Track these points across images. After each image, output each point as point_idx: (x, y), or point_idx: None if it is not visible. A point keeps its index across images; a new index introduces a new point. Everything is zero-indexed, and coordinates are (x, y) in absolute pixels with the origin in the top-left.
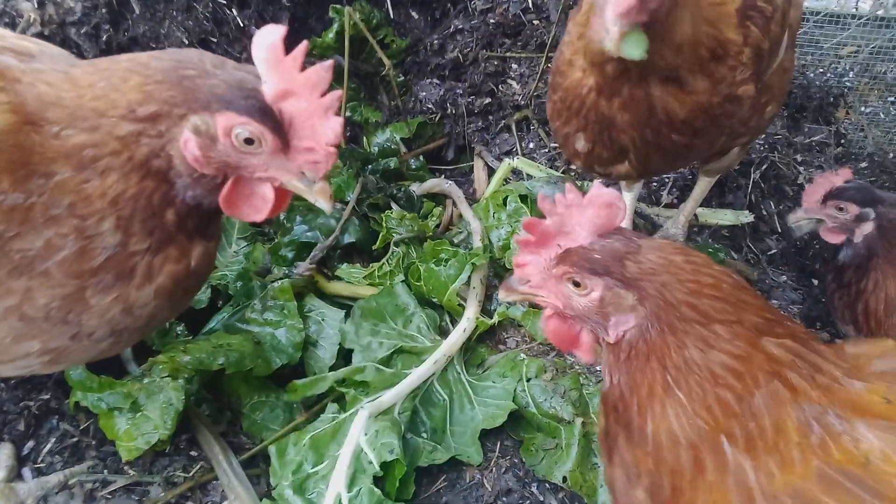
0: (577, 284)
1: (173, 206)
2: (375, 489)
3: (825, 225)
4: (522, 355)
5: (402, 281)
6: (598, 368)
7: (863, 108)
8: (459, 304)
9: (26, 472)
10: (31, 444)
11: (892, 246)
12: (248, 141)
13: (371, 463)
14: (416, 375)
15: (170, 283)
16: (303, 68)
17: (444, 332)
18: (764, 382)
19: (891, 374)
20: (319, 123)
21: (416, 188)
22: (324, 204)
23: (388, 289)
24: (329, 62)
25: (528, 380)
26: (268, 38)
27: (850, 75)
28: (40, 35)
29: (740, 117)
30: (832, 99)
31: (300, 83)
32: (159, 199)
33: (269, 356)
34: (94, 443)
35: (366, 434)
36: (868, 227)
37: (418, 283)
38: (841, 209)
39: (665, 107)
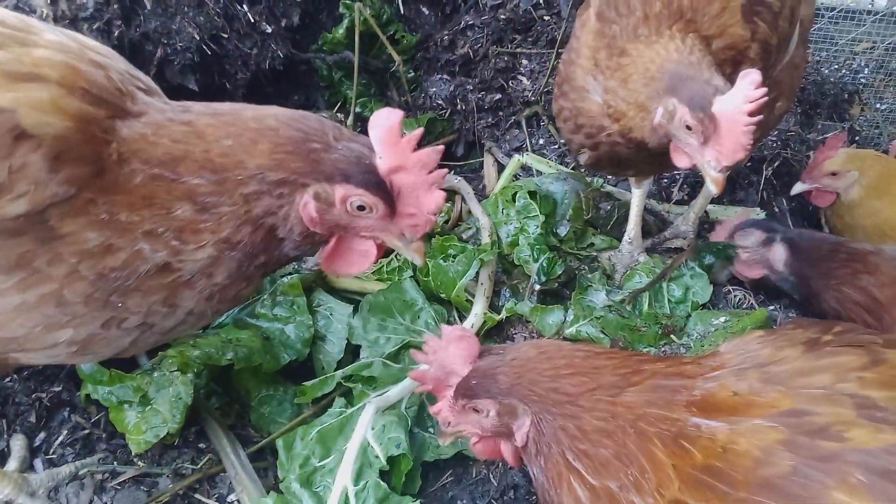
0: (477, 411)
1: (270, 255)
2: (382, 483)
3: (739, 260)
4: None
5: (411, 276)
6: None
7: (878, 105)
8: (467, 300)
9: (38, 463)
10: (42, 435)
11: (816, 261)
12: (361, 208)
13: (377, 457)
14: None
15: (224, 306)
16: (415, 148)
17: None
18: (631, 429)
19: (735, 358)
20: (425, 195)
21: None
22: (418, 260)
23: (397, 284)
24: (440, 147)
25: None
26: (386, 121)
27: (865, 72)
28: None
29: None
30: (847, 95)
31: (412, 162)
32: (261, 248)
33: (278, 352)
34: (104, 435)
35: (373, 428)
36: (780, 251)
37: (426, 279)
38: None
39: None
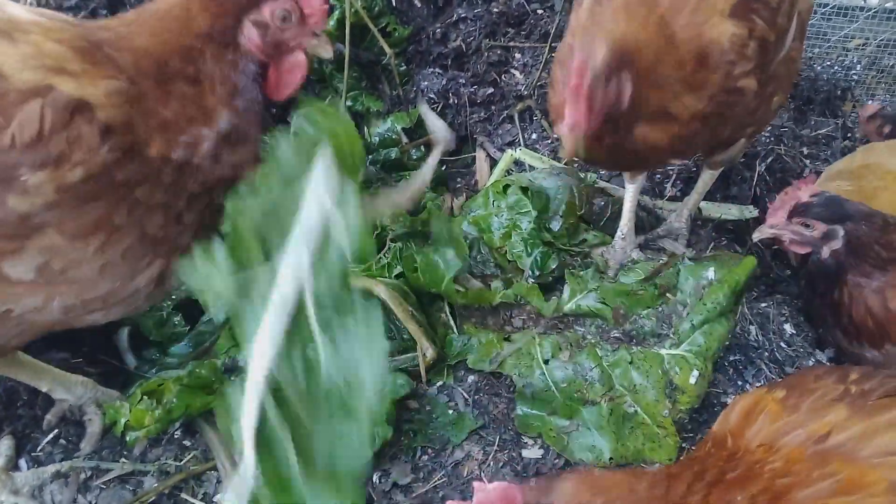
0: None
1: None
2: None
3: (789, 237)
4: (534, 334)
5: (400, 273)
6: (612, 335)
7: (870, 102)
8: (456, 290)
9: (22, 462)
10: (29, 434)
11: (862, 261)
12: (284, 18)
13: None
14: None
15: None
16: None
17: None
18: None
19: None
20: None
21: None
22: (329, 49)
23: None
24: None
25: (545, 362)
26: None
27: (858, 68)
28: None
29: (745, 107)
30: (839, 92)
31: None
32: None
33: None
34: None
35: None
36: (836, 245)
37: (416, 274)
38: (807, 226)
39: (645, 141)
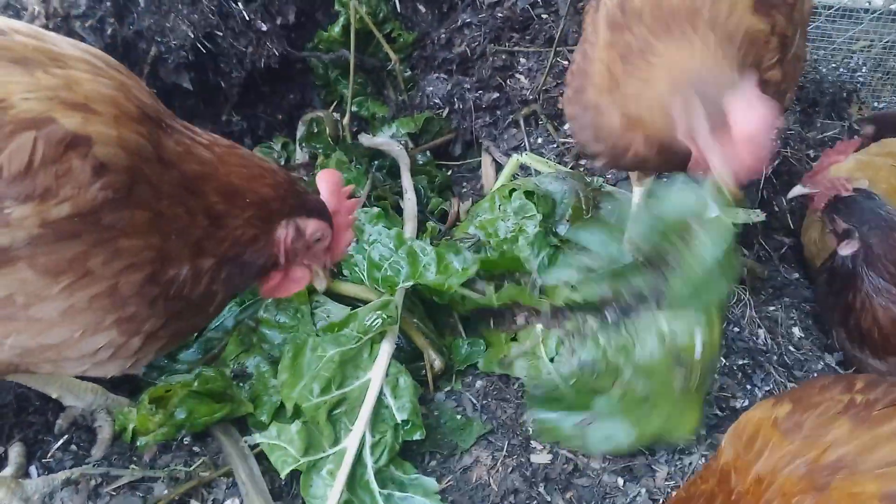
0: None
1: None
2: (395, 442)
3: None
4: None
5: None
6: (610, 316)
7: (875, 104)
8: (462, 297)
9: (33, 469)
10: (40, 441)
11: (875, 271)
12: (318, 239)
13: (388, 408)
14: None
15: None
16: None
17: None
18: None
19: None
20: (346, 233)
21: (366, 139)
22: (324, 284)
23: None
24: (361, 199)
25: (551, 360)
26: (333, 176)
27: (863, 70)
28: (44, 28)
29: None
30: (845, 94)
31: (345, 207)
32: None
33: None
34: None
35: (387, 375)
36: (854, 245)
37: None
38: (833, 220)
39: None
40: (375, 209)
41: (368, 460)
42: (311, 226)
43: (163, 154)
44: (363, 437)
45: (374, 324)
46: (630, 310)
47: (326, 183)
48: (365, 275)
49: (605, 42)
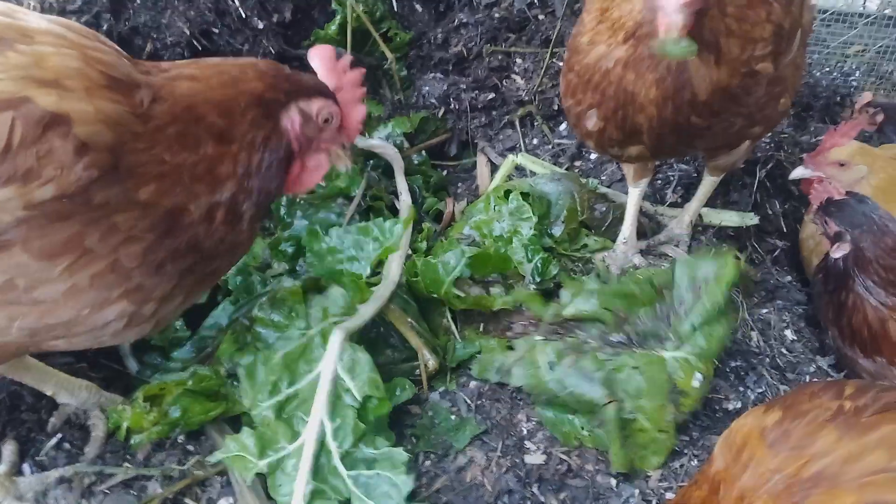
0: None
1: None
2: (359, 421)
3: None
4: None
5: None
6: (613, 339)
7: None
8: (455, 296)
9: (26, 467)
10: (33, 439)
11: (866, 273)
12: (326, 120)
13: (348, 390)
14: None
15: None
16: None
17: None
18: None
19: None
20: (355, 109)
21: (361, 140)
22: (348, 164)
23: None
24: (362, 69)
25: (550, 368)
26: (324, 52)
27: (857, 74)
28: None
29: (756, 98)
30: (839, 98)
31: (348, 82)
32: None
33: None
34: None
35: (341, 360)
36: (846, 248)
37: (415, 279)
38: (825, 223)
39: (693, 81)
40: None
41: (332, 446)
42: (315, 105)
43: (144, 111)
44: (321, 425)
45: (313, 319)
46: (635, 338)
47: (320, 60)
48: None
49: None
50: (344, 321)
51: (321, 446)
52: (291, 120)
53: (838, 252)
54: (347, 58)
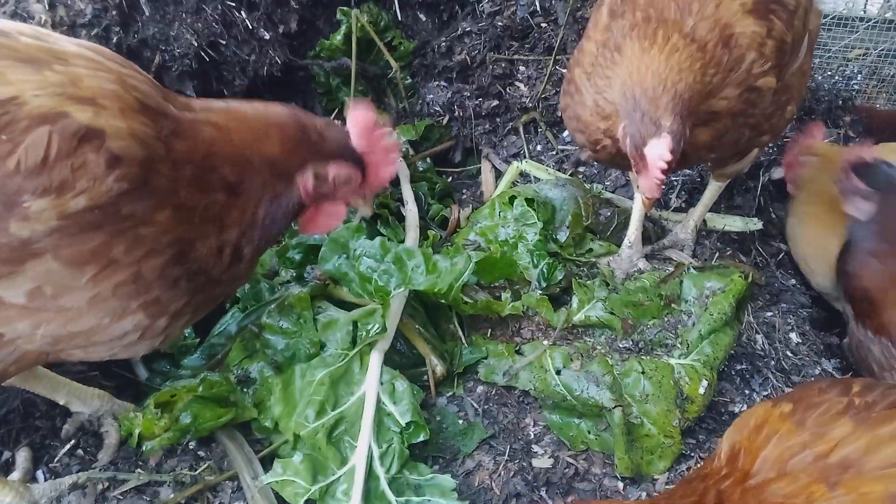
0: None
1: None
2: (404, 447)
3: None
4: (545, 343)
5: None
6: (621, 345)
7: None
8: (464, 301)
9: (40, 474)
10: (47, 446)
11: (883, 236)
12: (345, 182)
13: (390, 415)
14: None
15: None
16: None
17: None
18: None
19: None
20: (385, 169)
21: None
22: (370, 210)
23: None
24: (399, 142)
25: (557, 372)
26: (363, 117)
27: (858, 78)
28: None
29: (762, 110)
30: (840, 102)
31: (381, 148)
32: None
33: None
34: None
35: (381, 383)
36: (871, 208)
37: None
38: (855, 183)
39: (691, 140)
40: (354, 223)
41: (380, 471)
42: (333, 169)
43: (169, 143)
44: (370, 450)
45: (358, 337)
46: (642, 345)
47: (356, 125)
48: (359, 289)
49: (602, 27)
50: (378, 341)
51: (370, 472)
52: (305, 179)
53: (863, 213)
54: (385, 124)
